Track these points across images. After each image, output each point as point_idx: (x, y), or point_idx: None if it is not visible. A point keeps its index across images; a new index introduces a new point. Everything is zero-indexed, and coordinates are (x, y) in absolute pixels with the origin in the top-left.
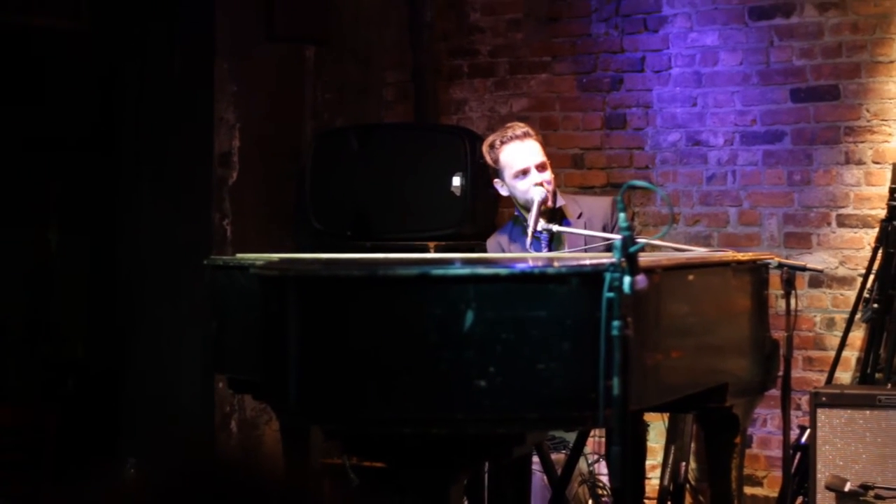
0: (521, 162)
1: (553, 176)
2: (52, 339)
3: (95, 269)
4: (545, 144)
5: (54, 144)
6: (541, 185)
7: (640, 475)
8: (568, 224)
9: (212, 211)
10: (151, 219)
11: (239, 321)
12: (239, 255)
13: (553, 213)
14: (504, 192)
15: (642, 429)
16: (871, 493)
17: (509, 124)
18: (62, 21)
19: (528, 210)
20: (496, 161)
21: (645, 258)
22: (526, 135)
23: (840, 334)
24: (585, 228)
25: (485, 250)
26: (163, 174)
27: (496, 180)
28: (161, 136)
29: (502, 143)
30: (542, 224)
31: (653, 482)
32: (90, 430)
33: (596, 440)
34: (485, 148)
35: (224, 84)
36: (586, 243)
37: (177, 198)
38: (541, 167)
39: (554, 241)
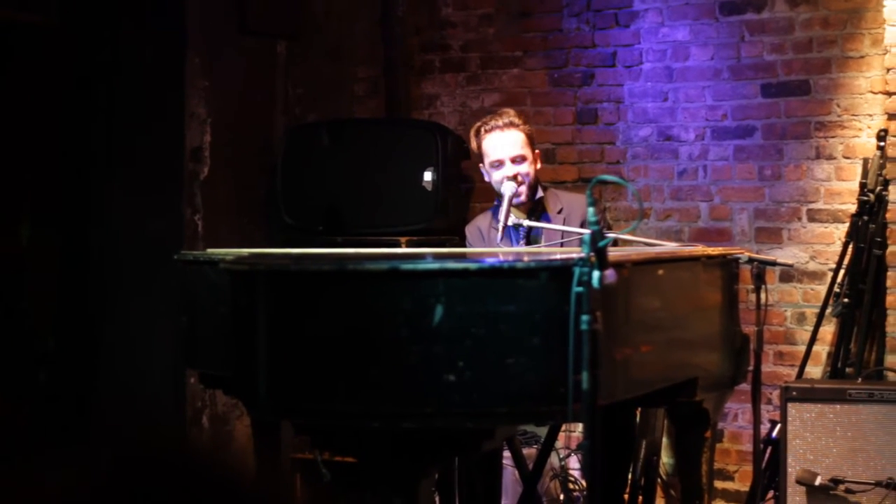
0: (496, 153)
1: (534, 169)
2: (22, 332)
3: (66, 262)
4: (533, 135)
5: (25, 138)
6: (514, 178)
7: (625, 468)
8: (547, 218)
9: (183, 205)
10: (123, 213)
11: (209, 316)
12: (209, 250)
13: (534, 206)
14: (487, 177)
15: (631, 422)
16: (842, 486)
17: (500, 111)
18: (31, 15)
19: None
20: (478, 147)
21: (614, 253)
22: (509, 125)
23: (811, 329)
24: (564, 223)
25: (456, 245)
26: (134, 168)
27: (480, 164)
28: (132, 131)
29: (485, 131)
30: (512, 218)
31: None
32: (61, 423)
33: (567, 435)
34: (471, 133)
35: (195, 79)
36: (562, 237)
37: (148, 192)
38: (517, 159)
39: (532, 235)
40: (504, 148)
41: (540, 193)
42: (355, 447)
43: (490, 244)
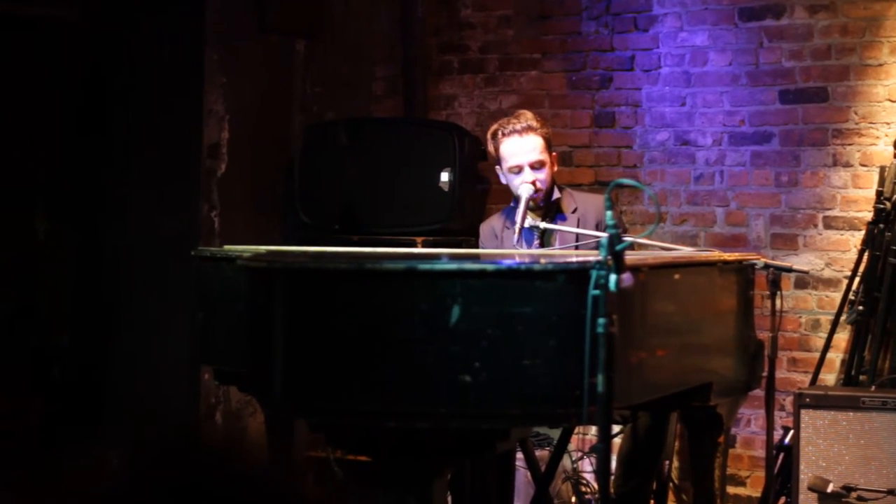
0: (515, 159)
1: (552, 171)
2: (37, 328)
3: (82, 258)
4: (551, 137)
5: (43, 133)
6: (532, 183)
7: (655, 472)
8: (563, 218)
9: (200, 202)
10: (139, 209)
11: (225, 312)
12: (226, 247)
13: (549, 207)
14: (503, 179)
15: (664, 425)
16: (854, 494)
17: (517, 113)
18: (52, 10)
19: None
20: (496, 151)
21: (631, 256)
22: (527, 129)
23: (825, 336)
24: (579, 224)
25: (471, 245)
26: (151, 164)
27: (497, 167)
28: (150, 127)
29: (503, 134)
30: (529, 221)
31: None
32: (75, 419)
33: (580, 437)
34: (488, 135)
35: (214, 75)
36: (577, 240)
37: (165, 188)
38: (536, 165)
39: (545, 237)
40: (523, 154)
41: (556, 195)
42: (369, 446)
43: (503, 244)
